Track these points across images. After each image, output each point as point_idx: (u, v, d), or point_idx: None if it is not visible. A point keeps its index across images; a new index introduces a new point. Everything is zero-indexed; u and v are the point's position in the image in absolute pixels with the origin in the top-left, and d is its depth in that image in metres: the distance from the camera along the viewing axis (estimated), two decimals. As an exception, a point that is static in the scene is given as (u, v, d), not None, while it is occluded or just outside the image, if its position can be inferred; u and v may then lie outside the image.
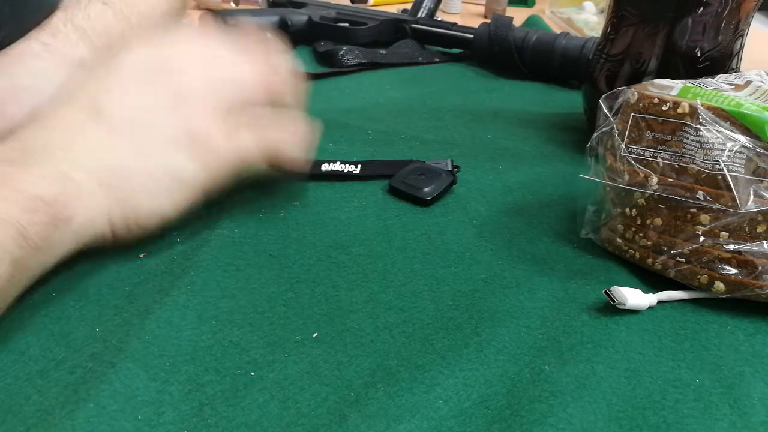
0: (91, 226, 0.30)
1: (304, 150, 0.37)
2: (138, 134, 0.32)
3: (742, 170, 0.30)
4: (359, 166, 0.43)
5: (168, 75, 0.34)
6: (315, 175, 0.42)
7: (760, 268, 0.30)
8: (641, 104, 0.33)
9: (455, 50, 0.74)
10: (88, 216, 0.30)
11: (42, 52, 0.49)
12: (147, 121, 0.32)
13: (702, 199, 0.31)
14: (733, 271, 0.31)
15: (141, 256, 0.34)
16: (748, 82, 0.34)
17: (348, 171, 0.43)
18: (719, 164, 0.30)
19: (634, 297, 0.31)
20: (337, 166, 0.43)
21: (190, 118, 0.33)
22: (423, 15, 0.76)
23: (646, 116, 0.33)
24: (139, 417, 0.24)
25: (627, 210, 0.34)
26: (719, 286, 0.31)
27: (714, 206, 0.30)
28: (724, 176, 0.30)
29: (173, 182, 0.32)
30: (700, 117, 0.30)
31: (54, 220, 0.28)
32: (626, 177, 0.33)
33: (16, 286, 0.28)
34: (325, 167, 0.43)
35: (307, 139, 0.37)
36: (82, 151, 0.31)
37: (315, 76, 0.63)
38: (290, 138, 0.36)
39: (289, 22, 0.72)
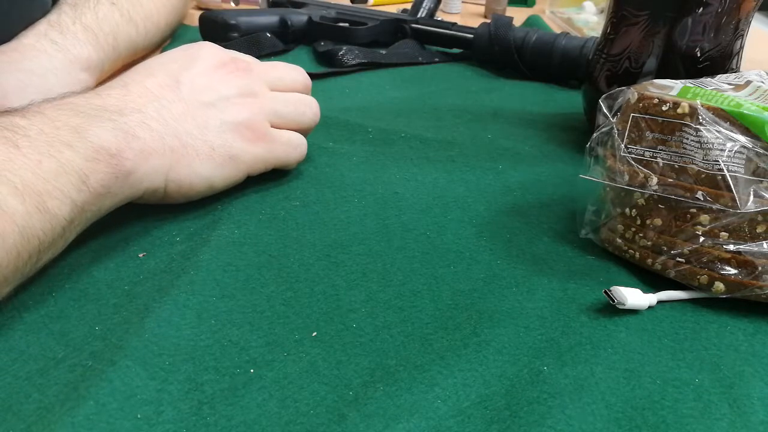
0: (148, 180, 0.34)
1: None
2: (207, 111, 0.37)
3: (742, 170, 0.30)
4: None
5: (243, 71, 0.40)
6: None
7: (759, 268, 0.30)
8: (641, 104, 0.33)
9: (455, 50, 0.74)
10: (148, 171, 0.33)
11: (51, 50, 0.49)
12: (216, 102, 0.37)
13: (702, 199, 0.31)
14: (733, 271, 0.31)
15: (140, 255, 0.34)
16: (748, 82, 0.34)
17: None
18: (719, 164, 0.30)
19: (633, 297, 0.31)
20: None
21: (253, 111, 0.38)
22: (423, 15, 0.76)
23: (646, 116, 0.33)
24: (139, 416, 0.24)
25: (627, 210, 0.34)
26: (719, 286, 0.31)
27: (714, 206, 0.30)
28: (724, 176, 0.30)
29: (227, 158, 0.37)
30: (700, 117, 0.30)
31: (115, 171, 0.31)
32: (626, 177, 0.33)
33: (75, 227, 0.31)
34: None
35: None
36: (154, 114, 0.34)
37: (315, 76, 0.63)
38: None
39: (289, 22, 0.72)
